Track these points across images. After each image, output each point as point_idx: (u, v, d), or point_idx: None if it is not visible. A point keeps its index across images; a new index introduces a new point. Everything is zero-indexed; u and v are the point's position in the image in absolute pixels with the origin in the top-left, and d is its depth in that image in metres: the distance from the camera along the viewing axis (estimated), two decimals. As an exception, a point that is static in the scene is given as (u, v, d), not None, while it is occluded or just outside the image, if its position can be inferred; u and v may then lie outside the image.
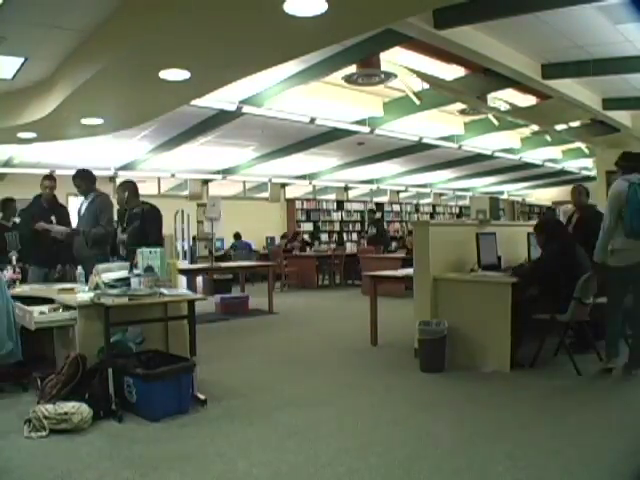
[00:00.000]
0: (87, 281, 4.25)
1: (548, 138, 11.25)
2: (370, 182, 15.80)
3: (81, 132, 6.80)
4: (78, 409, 3.20)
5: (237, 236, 12.44)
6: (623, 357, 4.26)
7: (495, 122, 9.72)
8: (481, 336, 4.50)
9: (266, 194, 14.13)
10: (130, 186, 5.01)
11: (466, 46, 4.89)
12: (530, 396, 3.81)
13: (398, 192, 17.61)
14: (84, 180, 5.12)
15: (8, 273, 4.74)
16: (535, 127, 10.06)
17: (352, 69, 6.14)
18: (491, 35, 5.14)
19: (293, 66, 6.09)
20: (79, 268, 4.88)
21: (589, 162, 14.26)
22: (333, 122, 8.89)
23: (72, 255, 5.12)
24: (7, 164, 10.09)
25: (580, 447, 2.88)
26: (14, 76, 5.44)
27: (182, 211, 10.21)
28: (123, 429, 3.26)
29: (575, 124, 9.04)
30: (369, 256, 10.32)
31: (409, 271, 5.36)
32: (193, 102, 6.37)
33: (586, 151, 12.62)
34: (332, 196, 15.98)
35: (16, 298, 4.41)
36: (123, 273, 3.96)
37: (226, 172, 12.74)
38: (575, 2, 4.36)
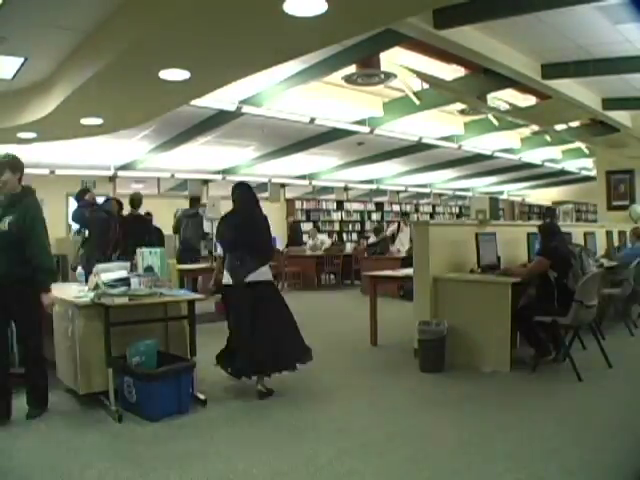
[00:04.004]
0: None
1: (548, 138, 11.24)
2: (370, 182, 15.80)
3: (81, 132, 6.79)
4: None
5: None
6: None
7: (495, 122, 9.72)
8: (481, 336, 4.50)
9: (266, 194, 14.12)
10: None
11: (466, 46, 4.89)
12: (530, 396, 3.81)
13: (398, 192, 17.60)
14: None
15: None
16: (535, 127, 10.06)
17: (352, 69, 6.13)
18: (491, 35, 5.14)
19: (293, 66, 6.09)
20: (79, 268, 4.88)
21: (589, 162, 14.26)
22: (333, 122, 8.89)
23: None
24: (7, 164, 10.08)
25: (580, 447, 2.89)
26: (14, 76, 5.43)
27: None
28: (123, 429, 3.26)
29: (575, 124, 9.03)
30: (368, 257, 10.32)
31: (409, 271, 5.36)
32: (193, 102, 6.37)
33: (586, 151, 12.62)
34: (332, 196, 15.98)
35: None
36: (123, 273, 3.96)
37: (226, 172, 12.73)
38: (575, 2, 4.36)
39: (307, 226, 15.11)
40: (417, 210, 17.97)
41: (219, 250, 4.18)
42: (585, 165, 15.26)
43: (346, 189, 16.19)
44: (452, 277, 4.81)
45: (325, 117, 8.62)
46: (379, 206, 16.82)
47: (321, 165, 13.27)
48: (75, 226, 6.28)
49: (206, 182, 13.20)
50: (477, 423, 3.29)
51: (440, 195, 19.21)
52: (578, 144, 11.88)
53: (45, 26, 4.28)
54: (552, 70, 5.99)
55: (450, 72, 6.32)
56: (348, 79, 6.34)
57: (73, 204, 10.53)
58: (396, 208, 17.26)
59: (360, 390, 4.06)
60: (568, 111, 7.49)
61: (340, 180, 15.17)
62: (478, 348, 4.51)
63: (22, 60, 5.01)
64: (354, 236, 15.80)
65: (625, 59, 5.70)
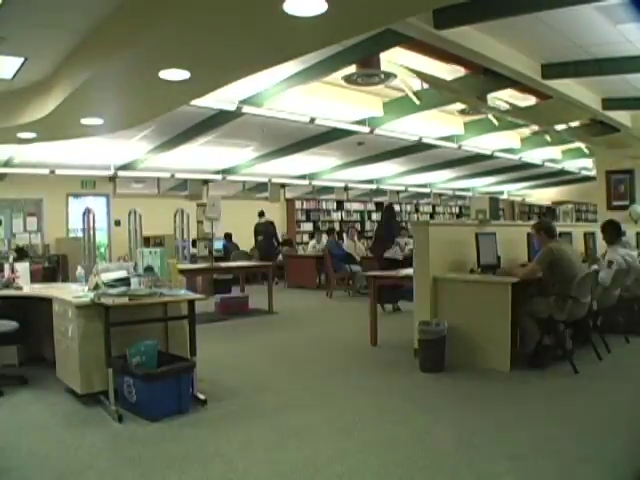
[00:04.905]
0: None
1: (548, 138, 11.24)
2: (370, 182, 15.80)
3: (81, 132, 6.79)
4: None
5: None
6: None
7: (495, 122, 9.71)
8: (481, 336, 4.51)
9: (266, 194, 14.12)
10: None
11: (466, 46, 4.88)
12: (530, 396, 3.81)
13: (398, 192, 17.60)
14: None
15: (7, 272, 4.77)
16: (535, 127, 10.05)
17: (352, 69, 6.13)
18: (491, 35, 5.13)
19: (293, 66, 6.09)
20: (79, 268, 4.89)
21: (589, 162, 14.26)
22: (333, 122, 8.88)
23: None
24: (7, 164, 10.09)
25: (580, 447, 2.89)
26: (14, 76, 5.43)
27: (182, 211, 10.20)
28: (123, 429, 3.26)
29: (575, 124, 9.02)
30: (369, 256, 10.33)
31: (409, 271, 5.36)
32: (193, 102, 6.36)
33: (586, 151, 12.61)
34: (332, 196, 15.99)
35: (13, 298, 4.44)
36: (123, 273, 3.96)
37: (226, 172, 12.73)
38: (575, 2, 4.35)
39: (307, 226, 15.12)
40: (417, 210, 17.97)
41: None
42: (585, 165, 15.26)
43: (346, 189, 16.18)
44: (452, 277, 4.81)
45: (325, 117, 8.61)
46: (379, 206, 16.82)
47: (321, 165, 13.27)
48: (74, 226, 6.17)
49: (206, 182, 13.21)
50: (477, 423, 3.29)
51: (440, 195, 19.20)
52: (578, 144, 11.87)
53: (45, 26, 4.28)
54: (552, 70, 5.98)
55: (450, 72, 6.31)
56: (348, 79, 6.33)
57: (73, 204, 10.57)
58: (396, 208, 17.26)
59: (360, 390, 4.06)
60: (568, 111, 7.49)
61: (340, 180, 15.17)
62: (478, 348, 4.51)
63: (22, 60, 5.01)
64: (354, 236, 15.77)
65: (625, 59, 5.69)
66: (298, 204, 14.98)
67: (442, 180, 16.96)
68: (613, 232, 5.54)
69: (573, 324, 4.70)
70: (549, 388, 3.97)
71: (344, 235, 10.43)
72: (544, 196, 20.20)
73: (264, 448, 2.96)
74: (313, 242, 12.50)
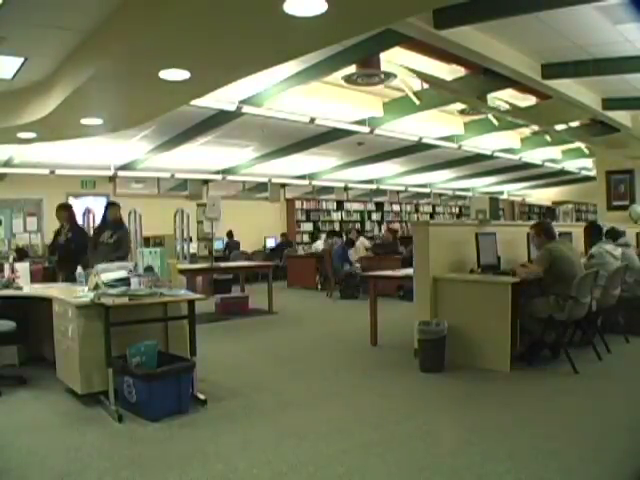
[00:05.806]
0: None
1: (548, 138, 11.23)
2: (370, 182, 15.80)
3: (81, 132, 6.79)
4: None
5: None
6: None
7: (495, 122, 9.71)
8: (481, 336, 4.51)
9: (266, 194, 14.13)
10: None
11: (466, 46, 4.88)
12: (530, 396, 3.81)
13: (398, 192, 17.60)
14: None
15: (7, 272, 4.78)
16: (535, 127, 10.05)
17: (352, 69, 6.13)
18: (491, 35, 5.13)
19: (293, 66, 6.09)
20: (78, 268, 4.89)
21: (589, 162, 14.26)
22: (333, 122, 8.88)
23: None
24: (7, 164, 10.09)
25: (580, 447, 2.89)
26: (14, 76, 5.43)
27: (182, 211, 10.20)
28: (123, 429, 3.26)
29: (575, 124, 9.03)
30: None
31: (409, 271, 5.36)
32: (193, 102, 6.36)
33: (586, 151, 12.61)
34: (332, 196, 15.99)
35: (13, 298, 4.44)
36: (123, 273, 3.96)
37: (226, 172, 12.73)
38: (575, 2, 4.36)
39: (307, 226, 15.12)
40: (417, 210, 17.97)
41: None
42: (585, 165, 15.26)
43: (346, 189, 16.18)
44: (452, 277, 4.81)
45: (325, 117, 8.61)
46: (379, 206, 16.83)
47: (321, 165, 13.27)
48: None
49: (206, 182, 13.21)
50: (477, 423, 3.29)
51: (440, 195, 19.21)
52: (578, 144, 11.87)
53: (45, 26, 4.28)
54: (552, 70, 5.98)
55: (450, 72, 6.31)
56: (348, 79, 6.33)
57: (73, 204, 10.57)
58: (396, 208, 17.27)
59: (360, 390, 4.06)
60: (568, 111, 7.49)
61: (340, 180, 15.17)
62: (478, 348, 4.51)
63: (22, 60, 5.01)
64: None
65: (625, 59, 5.69)
66: (298, 204, 14.97)
67: (442, 180, 16.96)
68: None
69: (574, 324, 4.71)
70: (549, 388, 3.97)
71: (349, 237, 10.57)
72: (544, 196, 20.20)
73: (264, 448, 2.96)
74: (320, 242, 12.40)
